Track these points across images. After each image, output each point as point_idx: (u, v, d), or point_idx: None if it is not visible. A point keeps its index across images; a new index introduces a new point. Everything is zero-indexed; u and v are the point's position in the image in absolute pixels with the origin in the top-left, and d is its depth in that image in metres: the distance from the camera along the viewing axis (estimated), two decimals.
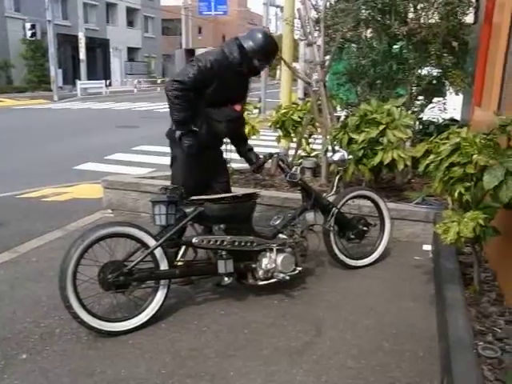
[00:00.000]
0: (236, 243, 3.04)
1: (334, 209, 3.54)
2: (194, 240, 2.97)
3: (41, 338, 2.71)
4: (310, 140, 5.85)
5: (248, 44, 3.12)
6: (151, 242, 2.84)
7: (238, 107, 3.25)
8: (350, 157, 4.18)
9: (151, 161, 8.51)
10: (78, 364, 2.49)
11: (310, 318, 3.00)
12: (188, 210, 2.97)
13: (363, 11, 5.56)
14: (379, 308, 3.14)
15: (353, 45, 6.02)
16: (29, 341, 2.68)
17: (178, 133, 3.11)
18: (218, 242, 2.99)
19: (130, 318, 2.80)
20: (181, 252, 3.12)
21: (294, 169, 3.44)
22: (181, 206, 2.97)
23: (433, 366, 2.51)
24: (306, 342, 2.73)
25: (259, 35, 3.16)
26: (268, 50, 3.21)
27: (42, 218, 5.05)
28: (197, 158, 3.19)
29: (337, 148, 4.43)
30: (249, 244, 3.10)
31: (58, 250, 3.97)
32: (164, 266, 2.89)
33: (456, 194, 2.74)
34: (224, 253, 3.01)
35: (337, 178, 3.79)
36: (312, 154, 5.76)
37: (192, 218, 2.99)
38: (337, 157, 3.70)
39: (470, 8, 5.46)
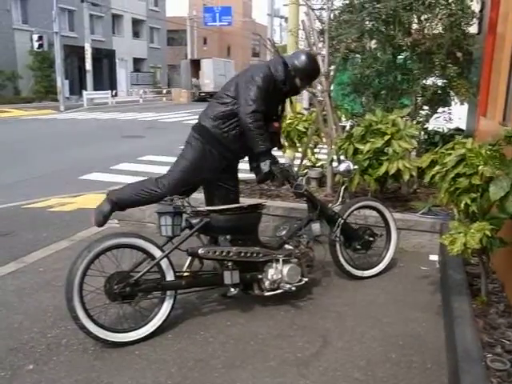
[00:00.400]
0: (242, 254, 3.05)
1: (339, 219, 3.54)
2: (200, 251, 2.97)
3: (47, 348, 2.72)
4: (316, 150, 5.86)
5: (292, 63, 3.29)
6: (157, 253, 2.85)
7: (276, 124, 3.38)
8: (356, 167, 4.17)
9: (157, 171, 8.50)
10: (85, 375, 2.49)
11: (317, 328, 2.99)
12: (194, 221, 2.98)
13: (367, 22, 5.59)
14: (386, 319, 3.13)
15: (357, 55, 6.05)
16: (35, 351, 2.69)
17: (267, 164, 3.18)
18: (224, 253, 2.99)
19: (136, 329, 2.80)
20: (187, 263, 3.12)
21: (299, 179, 3.45)
22: (187, 216, 2.98)
23: (441, 378, 2.49)
24: (312, 353, 2.72)
25: (303, 56, 3.35)
26: (310, 71, 3.40)
27: (48, 228, 5.07)
28: (214, 160, 3.28)
29: (342, 158, 4.44)
30: (255, 255, 3.10)
31: (65, 260, 3.98)
32: (170, 276, 2.89)
33: (462, 205, 2.73)
34: (230, 264, 3.01)
35: (342, 188, 3.79)
36: (317, 164, 5.77)
37: (198, 229, 3.00)
38: (342, 167, 3.71)
39: (474, 19, 5.49)
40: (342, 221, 3.55)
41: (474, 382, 2.03)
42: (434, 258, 4.12)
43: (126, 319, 2.89)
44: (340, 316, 3.16)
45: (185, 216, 2.97)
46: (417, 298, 3.44)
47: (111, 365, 2.58)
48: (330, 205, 3.71)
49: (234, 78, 3.40)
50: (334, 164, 4.66)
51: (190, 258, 3.10)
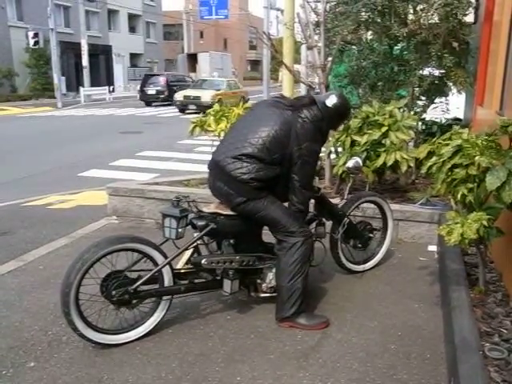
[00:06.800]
0: (244, 263, 2.99)
1: (345, 219, 3.46)
2: (203, 261, 2.91)
3: (48, 345, 2.73)
4: None
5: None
6: (159, 259, 2.78)
7: None
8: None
9: (155, 166, 8.54)
10: (86, 371, 2.50)
11: None
12: (200, 224, 2.89)
13: (363, 13, 5.58)
14: (384, 310, 3.15)
15: (353, 47, 6.05)
16: (37, 349, 2.70)
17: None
18: (227, 263, 2.93)
19: (136, 328, 2.79)
20: (184, 258, 3.08)
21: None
22: (193, 219, 2.90)
23: (440, 368, 2.51)
24: (312, 346, 2.73)
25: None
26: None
27: (47, 225, 5.07)
28: None
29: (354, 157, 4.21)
30: (257, 263, 3.05)
31: (65, 258, 3.99)
32: (168, 282, 2.84)
33: (459, 196, 2.74)
34: (231, 272, 2.93)
35: (348, 185, 3.69)
36: None
37: (204, 235, 2.92)
38: (351, 163, 3.58)
39: (470, 8, 5.47)
40: (347, 220, 3.48)
41: (471, 372, 2.04)
42: (433, 248, 4.14)
43: (125, 319, 2.84)
44: (338, 308, 3.17)
45: (190, 216, 2.89)
46: (415, 288, 3.45)
47: (112, 361, 2.59)
48: (333, 201, 3.61)
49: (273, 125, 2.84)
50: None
51: (187, 253, 3.05)
